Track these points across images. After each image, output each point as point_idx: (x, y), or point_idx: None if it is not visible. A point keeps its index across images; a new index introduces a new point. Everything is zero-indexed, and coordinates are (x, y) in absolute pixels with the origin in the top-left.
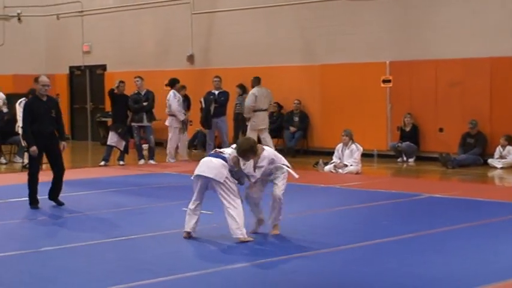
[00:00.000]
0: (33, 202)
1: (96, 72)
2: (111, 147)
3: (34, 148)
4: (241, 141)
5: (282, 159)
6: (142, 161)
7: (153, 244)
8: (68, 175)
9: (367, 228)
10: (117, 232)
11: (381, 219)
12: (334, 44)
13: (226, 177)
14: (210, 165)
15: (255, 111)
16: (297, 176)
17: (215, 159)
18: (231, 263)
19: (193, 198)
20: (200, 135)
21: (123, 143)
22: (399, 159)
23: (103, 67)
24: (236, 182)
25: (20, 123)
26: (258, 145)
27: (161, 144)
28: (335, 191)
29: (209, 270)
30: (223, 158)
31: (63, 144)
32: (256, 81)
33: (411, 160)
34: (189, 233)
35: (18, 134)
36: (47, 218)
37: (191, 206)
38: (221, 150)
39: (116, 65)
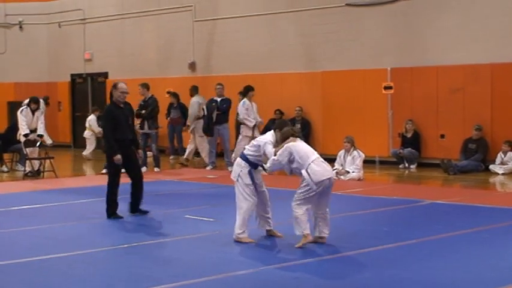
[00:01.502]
0: (113, 210)
1: (98, 80)
2: None
3: (118, 157)
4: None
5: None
6: (143, 169)
7: (155, 251)
8: (70, 183)
9: (368, 234)
10: (118, 239)
11: (383, 226)
12: (336, 51)
13: (239, 176)
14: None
15: (198, 118)
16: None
17: (238, 159)
18: (234, 270)
19: None
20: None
21: None
22: (401, 166)
23: (105, 75)
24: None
25: (21, 131)
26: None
27: (163, 151)
28: (337, 198)
29: (212, 277)
30: (242, 156)
31: (140, 152)
32: (196, 90)
33: (413, 166)
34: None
35: (20, 142)
36: (47, 227)
37: None
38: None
39: (117, 72)
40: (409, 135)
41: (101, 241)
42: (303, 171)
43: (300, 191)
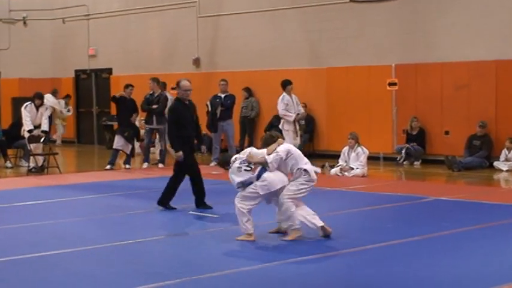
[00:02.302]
0: (168, 203)
1: (102, 76)
2: (117, 150)
3: (180, 153)
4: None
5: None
6: (146, 165)
7: (159, 248)
8: (74, 179)
9: (372, 231)
10: (123, 236)
11: (387, 222)
12: (340, 47)
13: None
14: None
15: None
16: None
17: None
18: (238, 266)
19: None
20: (206, 138)
21: (130, 146)
22: (405, 162)
23: (109, 71)
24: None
25: (25, 127)
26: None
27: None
28: (341, 194)
29: (216, 274)
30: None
31: (203, 147)
32: (165, 86)
33: (417, 163)
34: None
35: (24, 137)
36: (51, 223)
37: None
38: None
39: (121, 68)
40: (414, 132)
41: (104, 237)
42: (301, 166)
43: (294, 186)
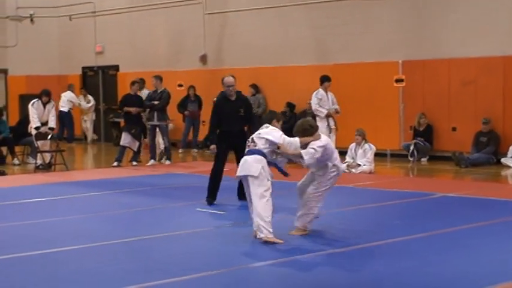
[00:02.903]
0: (210, 196)
1: (109, 73)
2: (124, 147)
3: (213, 146)
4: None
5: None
6: (152, 161)
7: (167, 244)
8: (81, 176)
9: (380, 227)
10: (130, 233)
11: (394, 219)
12: (347, 44)
13: (260, 172)
14: (244, 165)
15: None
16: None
17: (249, 156)
18: (246, 263)
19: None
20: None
21: (137, 143)
22: (412, 158)
23: (116, 68)
24: (270, 176)
25: (32, 124)
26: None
27: (174, 144)
28: (348, 191)
29: (222, 270)
30: (257, 152)
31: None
32: (144, 83)
33: (424, 159)
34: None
35: (31, 135)
36: (58, 220)
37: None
38: (254, 141)
39: (128, 65)
40: (421, 128)
41: (111, 234)
42: (336, 163)
43: (322, 183)
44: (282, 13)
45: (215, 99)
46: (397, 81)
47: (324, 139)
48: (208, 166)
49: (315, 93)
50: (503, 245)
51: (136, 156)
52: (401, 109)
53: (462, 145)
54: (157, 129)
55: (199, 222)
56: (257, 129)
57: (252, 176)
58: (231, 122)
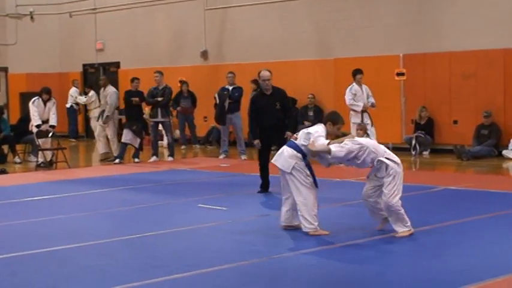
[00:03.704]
0: (262, 188)
1: (110, 70)
2: (125, 144)
3: (257, 141)
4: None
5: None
6: (153, 158)
7: (169, 241)
8: (82, 173)
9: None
10: (132, 229)
11: None
12: (348, 38)
13: (294, 168)
14: (280, 155)
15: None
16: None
17: (287, 148)
18: (247, 259)
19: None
20: (215, 131)
21: (138, 140)
22: (414, 152)
23: (116, 64)
24: (307, 172)
25: (33, 121)
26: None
27: (175, 140)
28: (349, 185)
29: (225, 266)
30: (294, 147)
31: (288, 133)
32: (106, 81)
33: (426, 153)
34: (284, 226)
35: (32, 133)
36: (60, 217)
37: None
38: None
39: (129, 62)
40: (423, 122)
41: (113, 231)
42: (383, 159)
43: (390, 184)
44: (283, 8)
45: (215, 95)
46: (398, 74)
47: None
48: (211, 162)
49: (348, 88)
50: (504, 238)
51: (138, 152)
52: (403, 102)
53: (463, 138)
54: (161, 126)
55: (201, 219)
56: (293, 122)
57: (285, 172)
58: (268, 116)
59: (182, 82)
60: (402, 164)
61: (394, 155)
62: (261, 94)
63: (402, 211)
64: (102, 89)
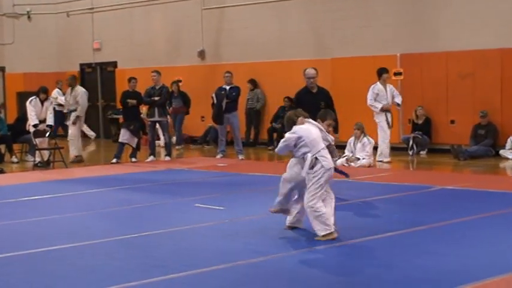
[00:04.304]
0: None
1: (107, 70)
2: (123, 144)
3: None
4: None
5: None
6: (150, 158)
7: (166, 241)
8: (80, 173)
9: (379, 221)
10: (129, 229)
11: (393, 212)
12: (345, 38)
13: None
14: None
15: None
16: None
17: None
18: (244, 259)
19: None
20: (212, 131)
21: (135, 140)
22: (411, 152)
23: (114, 64)
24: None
25: (30, 121)
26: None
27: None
28: (347, 185)
29: (222, 266)
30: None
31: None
32: (75, 80)
33: (423, 152)
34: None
35: (29, 132)
36: (57, 217)
37: None
38: None
39: (126, 62)
40: (420, 121)
41: (110, 231)
42: (309, 156)
43: (313, 185)
44: (280, 8)
45: (213, 94)
46: (396, 74)
47: (301, 126)
48: (208, 162)
49: (371, 87)
50: (502, 237)
51: (135, 152)
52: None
53: (460, 138)
54: (158, 125)
55: (198, 218)
56: (337, 122)
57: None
58: (312, 115)
59: (173, 82)
60: (391, 164)
61: (328, 158)
62: (306, 92)
63: (322, 213)
64: (69, 89)
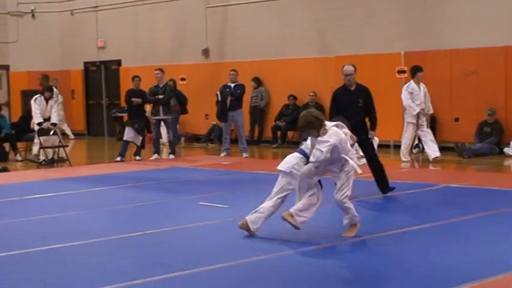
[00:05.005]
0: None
1: (111, 68)
2: (127, 142)
3: None
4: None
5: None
6: (155, 156)
7: (169, 239)
8: (84, 171)
9: (383, 219)
10: (133, 227)
11: (397, 210)
12: (349, 36)
13: (294, 168)
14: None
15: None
16: (360, 171)
17: (293, 154)
18: (248, 257)
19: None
20: (216, 128)
21: (140, 138)
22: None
23: (118, 62)
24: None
25: (35, 119)
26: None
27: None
28: None
29: (226, 264)
30: (300, 151)
31: (371, 133)
32: (47, 80)
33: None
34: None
35: (34, 130)
36: (61, 215)
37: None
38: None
39: (130, 60)
40: None
41: (114, 229)
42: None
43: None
44: (284, 6)
45: (217, 92)
46: (400, 72)
47: (332, 133)
48: (212, 160)
49: (405, 86)
50: (506, 236)
51: (139, 150)
52: None
53: (465, 136)
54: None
55: (202, 217)
56: (376, 120)
57: (283, 172)
58: (349, 113)
59: (169, 80)
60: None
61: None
62: (344, 90)
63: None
64: (41, 88)
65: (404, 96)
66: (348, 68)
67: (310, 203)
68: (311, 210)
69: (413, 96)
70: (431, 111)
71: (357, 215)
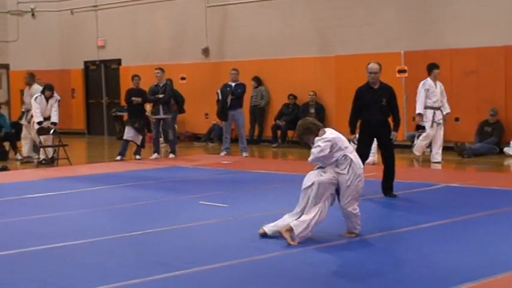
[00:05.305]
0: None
1: (111, 67)
2: (127, 141)
3: (354, 136)
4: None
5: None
6: (154, 155)
7: (169, 238)
8: (84, 170)
9: (383, 218)
10: (133, 226)
11: (397, 210)
12: (349, 35)
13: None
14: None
15: None
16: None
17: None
18: (248, 256)
19: None
20: (216, 128)
21: (140, 137)
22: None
23: (118, 61)
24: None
25: (35, 118)
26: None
27: (177, 138)
28: None
29: (226, 263)
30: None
31: (394, 134)
32: (32, 79)
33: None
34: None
35: (34, 129)
36: (61, 215)
37: None
38: None
39: (130, 59)
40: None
41: (114, 228)
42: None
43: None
44: (284, 5)
45: (218, 91)
46: (400, 72)
47: (330, 132)
48: (212, 159)
49: (422, 83)
50: (505, 235)
51: (139, 149)
52: (404, 100)
53: (465, 135)
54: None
55: (202, 216)
56: (400, 120)
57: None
58: (372, 111)
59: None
60: (403, 162)
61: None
62: (368, 88)
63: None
64: (26, 87)
65: (419, 92)
66: (373, 66)
67: (310, 219)
68: (310, 226)
69: (429, 94)
70: (447, 111)
71: (358, 226)
